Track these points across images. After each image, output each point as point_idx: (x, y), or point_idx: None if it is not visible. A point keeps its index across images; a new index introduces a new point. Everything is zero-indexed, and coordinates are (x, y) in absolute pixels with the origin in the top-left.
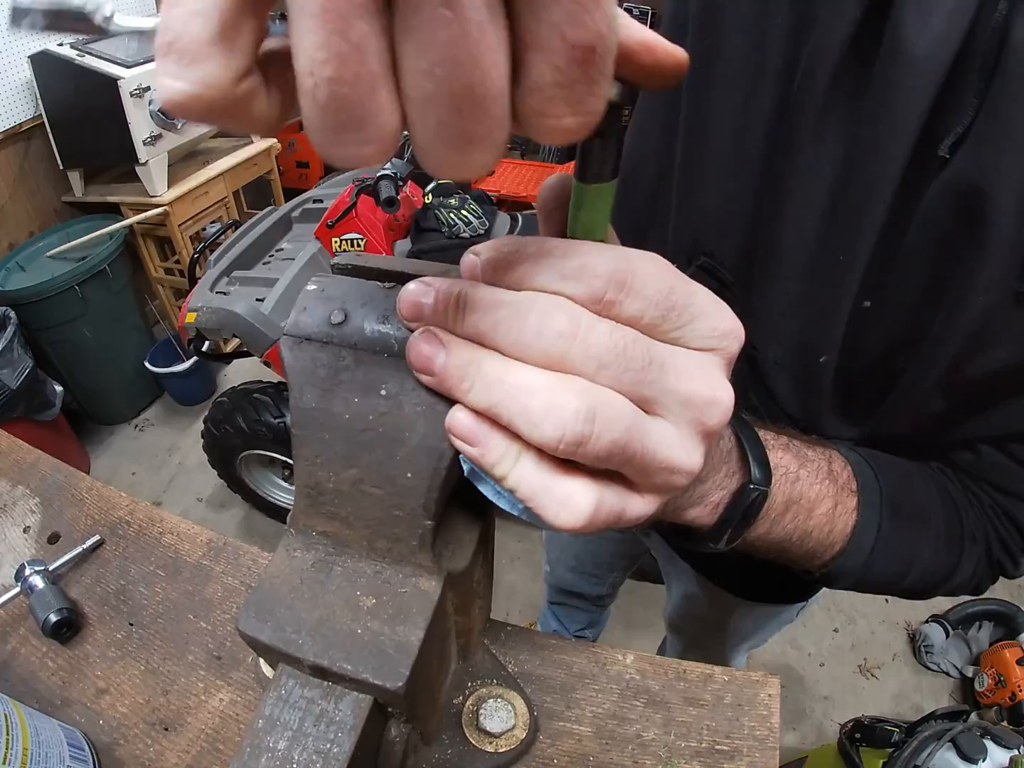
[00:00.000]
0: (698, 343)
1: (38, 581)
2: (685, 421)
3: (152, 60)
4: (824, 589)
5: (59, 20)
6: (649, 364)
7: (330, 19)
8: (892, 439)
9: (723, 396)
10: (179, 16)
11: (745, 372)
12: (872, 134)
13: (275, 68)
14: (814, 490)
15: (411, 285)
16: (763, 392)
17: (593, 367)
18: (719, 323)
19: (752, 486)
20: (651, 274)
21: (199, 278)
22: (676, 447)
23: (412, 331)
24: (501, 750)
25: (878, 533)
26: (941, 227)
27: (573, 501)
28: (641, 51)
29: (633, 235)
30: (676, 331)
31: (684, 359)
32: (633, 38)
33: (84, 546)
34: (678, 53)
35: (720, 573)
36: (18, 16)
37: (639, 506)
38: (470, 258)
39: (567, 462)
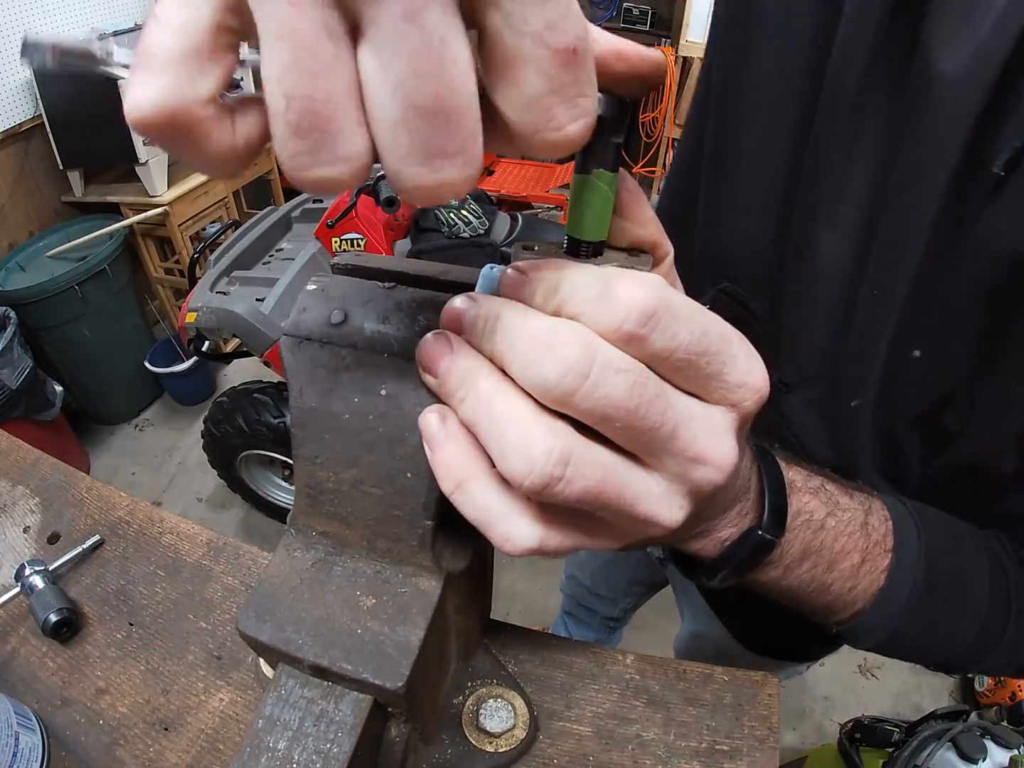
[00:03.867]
0: (718, 396)
1: (38, 581)
2: (679, 480)
3: None
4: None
5: (64, 57)
6: (660, 427)
7: (299, 41)
8: (945, 501)
9: (727, 461)
10: (156, 31)
11: (767, 413)
12: (911, 155)
13: (243, 105)
14: (840, 542)
15: (456, 301)
16: (789, 437)
17: (595, 419)
18: (748, 378)
19: (760, 532)
20: (686, 311)
21: (199, 278)
22: (661, 503)
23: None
24: (501, 750)
25: (906, 602)
26: (998, 265)
27: (514, 538)
28: (614, 59)
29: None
30: (701, 380)
31: (699, 417)
32: (604, 48)
33: (84, 546)
34: (652, 56)
35: (734, 620)
36: (27, 51)
37: (606, 544)
38: (513, 275)
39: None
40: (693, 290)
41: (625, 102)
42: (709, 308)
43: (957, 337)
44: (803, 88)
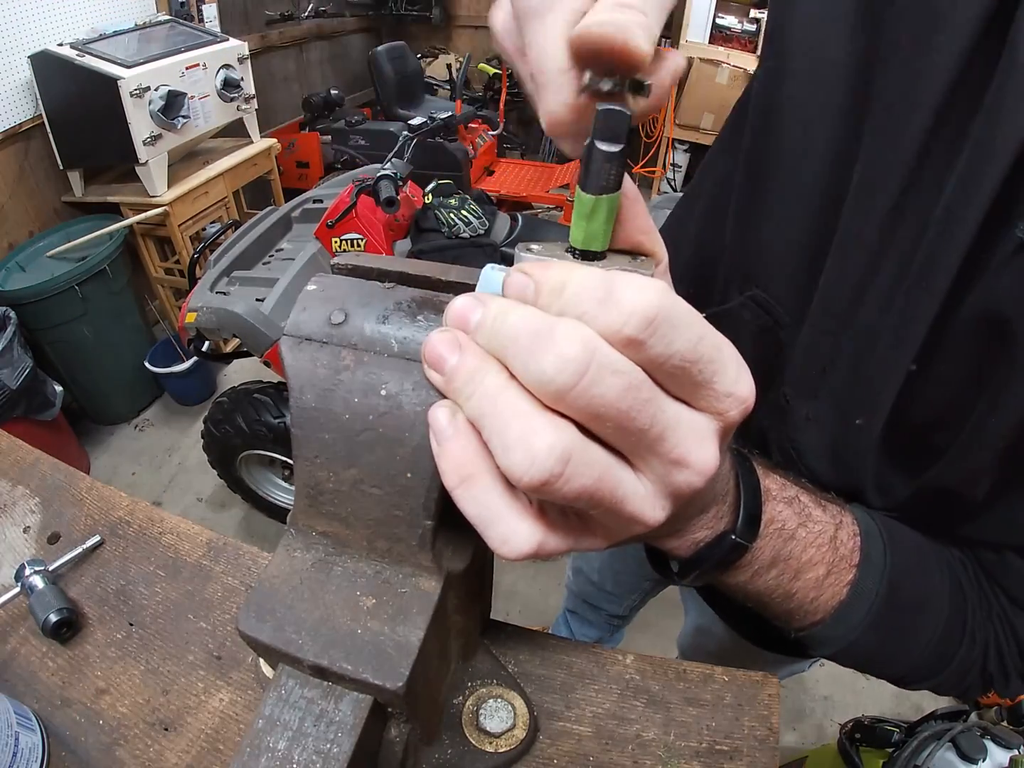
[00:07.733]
0: (706, 403)
1: (38, 581)
2: (663, 482)
3: (151, 60)
4: None
5: None
6: (649, 429)
7: None
8: (922, 520)
9: (708, 467)
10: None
11: (770, 424)
12: (952, 193)
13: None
14: (808, 553)
15: (461, 300)
16: (788, 450)
17: (588, 417)
18: (735, 389)
19: (733, 537)
20: (685, 319)
21: (199, 278)
22: (646, 503)
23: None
24: (501, 750)
25: (864, 618)
26: (1001, 314)
27: (513, 540)
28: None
29: (687, 267)
30: (691, 387)
31: (686, 422)
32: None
33: (84, 546)
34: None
35: (734, 615)
36: None
37: (592, 544)
38: (518, 278)
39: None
40: (719, 295)
41: (627, 119)
42: (736, 315)
43: (952, 358)
44: (843, 102)
